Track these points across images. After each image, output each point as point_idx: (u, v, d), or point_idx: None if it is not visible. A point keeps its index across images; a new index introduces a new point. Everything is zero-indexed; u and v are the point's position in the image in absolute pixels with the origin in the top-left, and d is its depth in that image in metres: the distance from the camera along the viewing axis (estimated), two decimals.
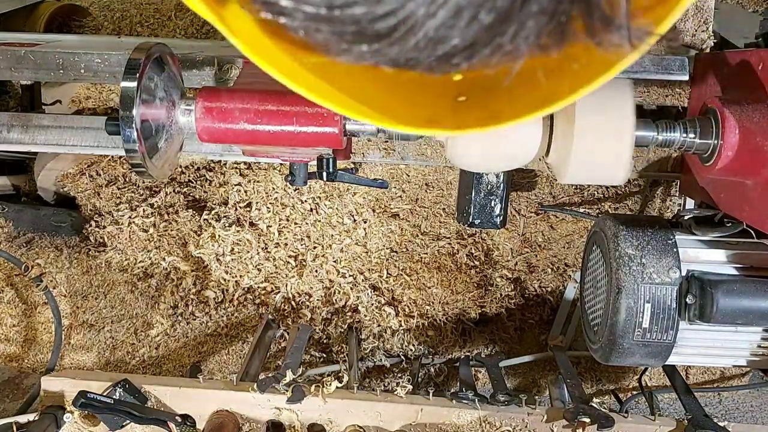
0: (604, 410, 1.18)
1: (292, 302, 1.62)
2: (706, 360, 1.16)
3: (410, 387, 1.23)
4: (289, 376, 1.19)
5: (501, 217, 1.21)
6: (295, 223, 1.58)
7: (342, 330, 1.63)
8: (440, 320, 1.62)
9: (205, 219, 1.58)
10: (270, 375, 1.23)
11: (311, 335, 1.58)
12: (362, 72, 0.43)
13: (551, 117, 0.91)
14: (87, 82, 1.50)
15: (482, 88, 0.45)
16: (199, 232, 1.60)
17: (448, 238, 1.60)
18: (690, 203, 1.30)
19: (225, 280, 1.61)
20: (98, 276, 1.65)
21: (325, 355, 1.66)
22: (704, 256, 1.08)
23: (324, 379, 1.21)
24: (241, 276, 1.60)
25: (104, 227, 1.61)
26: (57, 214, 1.67)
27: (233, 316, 1.65)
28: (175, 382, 1.26)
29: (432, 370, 1.67)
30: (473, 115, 0.47)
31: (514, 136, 0.89)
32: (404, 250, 1.61)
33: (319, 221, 1.58)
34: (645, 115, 0.98)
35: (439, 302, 1.61)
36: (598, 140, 0.87)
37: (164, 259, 1.62)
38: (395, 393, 1.23)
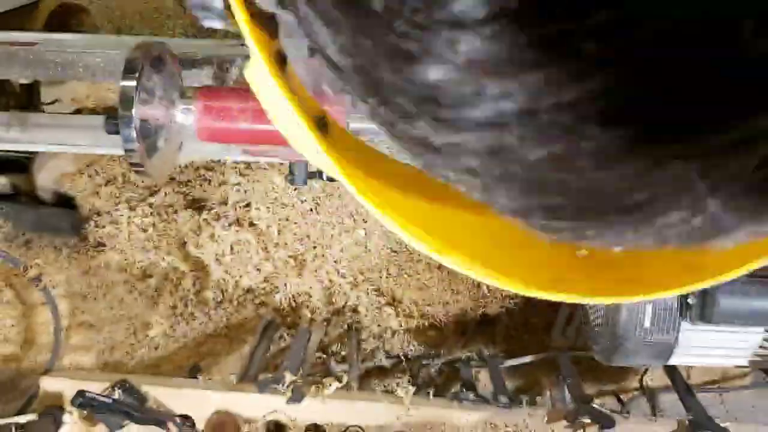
0: (605, 411, 1.18)
1: (292, 302, 1.62)
2: (708, 360, 1.16)
3: (411, 388, 1.22)
4: (289, 377, 1.19)
5: None
6: (295, 223, 1.57)
7: (342, 330, 1.63)
8: (440, 320, 1.62)
9: (204, 219, 1.58)
10: (270, 376, 1.22)
11: (310, 337, 1.57)
12: (471, 222, 0.36)
13: None
14: (86, 81, 1.50)
15: None
16: (198, 232, 1.59)
17: None
18: None
19: (224, 280, 1.60)
20: (97, 276, 1.65)
21: (324, 356, 1.66)
22: None
23: (324, 380, 1.21)
24: (240, 276, 1.60)
25: (103, 227, 1.61)
26: (56, 214, 1.66)
27: (233, 316, 1.65)
28: (174, 382, 1.25)
29: (432, 370, 1.67)
30: (607, 277, 0.38)
31: None
32: (404, 249, 1.60)
33: (319, 221, 1.57)
34: None
35: (440, 302, 1.60)
36: None
37: (163, 259, 1.61)
38: (395, 393, 1.22)
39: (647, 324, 1.05)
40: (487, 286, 1.60)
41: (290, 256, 1.59)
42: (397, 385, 1.29)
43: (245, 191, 1.57)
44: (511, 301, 1.62)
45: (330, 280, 1.60)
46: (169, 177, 1.60)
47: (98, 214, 1.62)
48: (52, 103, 1.54)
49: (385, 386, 1.64)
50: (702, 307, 1.02)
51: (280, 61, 0.31)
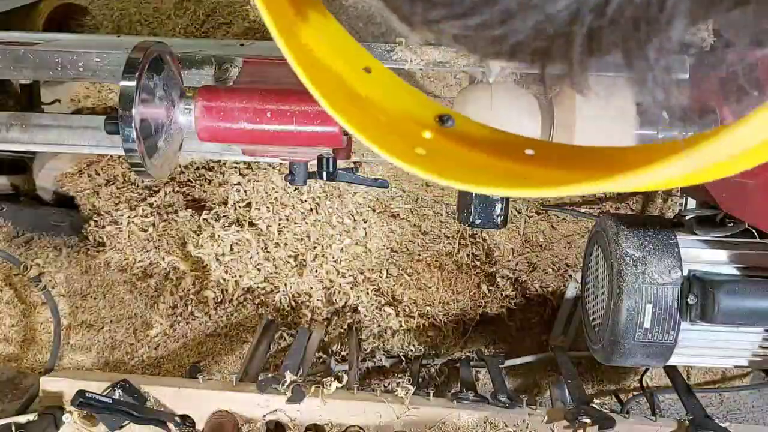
0: (605, 411, 1.18)
1: (292, 302, 1.62)
2: (708, 360, 1.16)
3: (411, 388, 1.22)
4: (289, 376, 1.19)
5: (502, 217, 1.21)
6: (295, 223, 1.57)
7: (342, 330, 1.63)
8: (441, 320, 1.62)
9: (204, 219, 1.58)
10: (270, 375, 1.22)
11: (309, 337, 1.57)
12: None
13: (552, 112, 0.91)
14: (86, 81, 1.50)
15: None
16: (198, 232, 1.59)
17: (449, 237, 1.60)
18: (691, 203, 1.30)
19: (224, 280, 1.60)
20: (97, 276, 1.65)
21: (325, 356, 1.66)
22: (706, 256, 1.08)
23: (324, 380, 1.21)
24: (240, 276, 1.60)
25: (103, 227, 1.61)
26: (56, 214, 1.66)
27: (233, 316, 1.65)
28: (174, 382, 1.25)
29: (432, 370, 1.67)
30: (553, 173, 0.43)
31: (513, 129, 0.88)
32: (404, 249, 1.60)
33: (319, 221, 1.57)
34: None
35: (440, 302, 1.60)
36: (600, 133, 0.87)
37: (163, 258, 1.61)
38: (395, 393, 1.22)
39: (647, 324, 1.05)
40: (487, 287, 1.60)
41: (290, 256, 1.59)
42: (397, 385, 1.29)
43: (245, 191, 1.57)
44: (512, 301, 1.62)
45: (330, 280, 1.60)
46: (169, 177, 1.60)
47: (98, 214, 1.62)
48: (52, 103, 1.54)
49: (385, 386, 1.64)
50: (702, 307, 1.02)
51: None
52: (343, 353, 1.64)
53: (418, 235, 1.60)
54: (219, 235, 1.56)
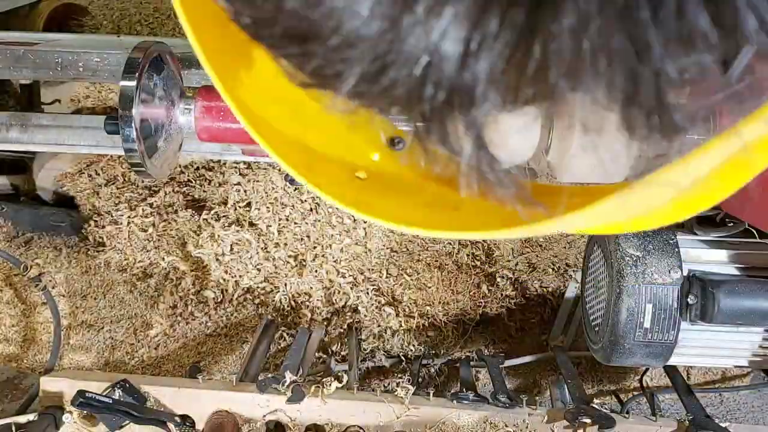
0: (605, 411, 1.18)
1: (292, 302, 1.62)
2: (708, 360, 1.16)
3: (411, 388, 1.22)
4: (289, 376, 1.19)
5: None
6: (295, 223, 1.57)
7: (342, 330, 1.63)
8: (440, 320, 1.62)
9: (204, 219, 1.58)
10: (270, 375, 1.22)
11: (309, 337, 1.57)
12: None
13: (550, 128, 0.90)
14: (86, 81, 1.50)
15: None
16: (198, 232, 1.59)
17: None
18: None
19: (224, 280, 1.60)
20: (97, 276, 1.65)
21: (325, 356, 1.66)
22: (706, 256, 1.08)
23: (324, 380, 1.21)
24: (240, 276, 1.60)
25: (103, 227, 1.61)
26: (56, 214, 1.66)
27: (233, 316, 1.65)
28: (174, 382, 1.25)
29: (432, 370, 1.67)
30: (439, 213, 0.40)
31: (511, 128, 0.88)
32: (404, 249, 1.60)
33: (319, 221, 1.57)
34: None
35: (440, 302, 1.60)
36: (600, 134, 0.87)
37: (163, 259, 1.61)
38: (395, 393, 1.22)
39: (647, 324, 1.05)
40: (487, 287, 1.60)
41: (290, 256, 1.59)
42: (397, 385, 1.29)
43: (245, 191, 1.57)
44: (512, 301, 1.62)
45: (330, 280, 1.60)
46: (169, 177, 1.60)
47: (98, 214, 1.62)
48: (52, 103, 1.55)
49: (385, 386, 1.64)
50: (702, 307, 1.02)
51: None
52: (343, 353, 1.64)
53: (417, 235, 1.60)
54: (219, 235, 1.56)
